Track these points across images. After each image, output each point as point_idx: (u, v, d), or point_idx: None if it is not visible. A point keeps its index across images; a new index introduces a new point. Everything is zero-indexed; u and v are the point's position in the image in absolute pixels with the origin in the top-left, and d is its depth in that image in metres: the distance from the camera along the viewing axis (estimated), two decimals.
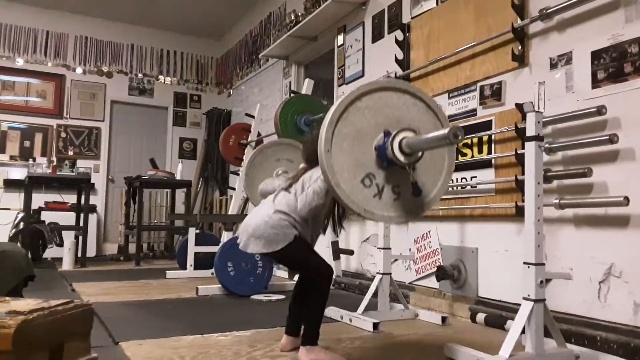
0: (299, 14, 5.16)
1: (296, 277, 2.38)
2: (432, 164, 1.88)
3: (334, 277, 4.06)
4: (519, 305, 2.00)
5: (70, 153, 7.09)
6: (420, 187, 1.78)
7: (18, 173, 6.63)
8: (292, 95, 4.63)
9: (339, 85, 4.60)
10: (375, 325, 2.61)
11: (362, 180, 1.74)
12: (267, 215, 2.06)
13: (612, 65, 2.31)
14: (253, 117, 5.15)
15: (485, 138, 2.96)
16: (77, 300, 1.35)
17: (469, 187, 3.06)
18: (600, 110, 2.27)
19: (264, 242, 2.05)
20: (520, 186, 2.53)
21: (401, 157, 1.72)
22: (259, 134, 5.09)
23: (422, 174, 1.83)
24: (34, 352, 1.14)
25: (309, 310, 2.10)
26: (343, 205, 1.77)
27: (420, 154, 1.76)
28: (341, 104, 1.74)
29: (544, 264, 1.99)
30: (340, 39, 4.66)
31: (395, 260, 3.53)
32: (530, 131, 2.03)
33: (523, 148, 2.11)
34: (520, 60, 2.76)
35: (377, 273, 2.94)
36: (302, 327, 2.11)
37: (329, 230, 4.03)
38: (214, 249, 3.96)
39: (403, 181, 1.78)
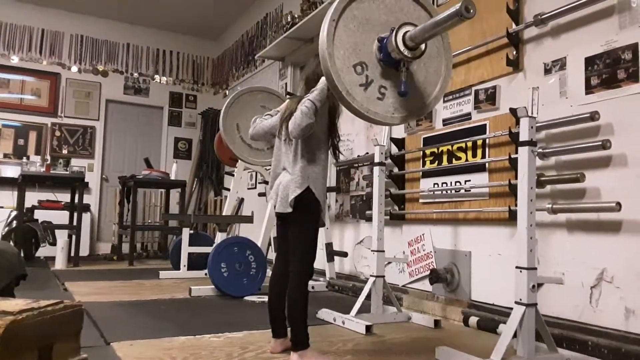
0: (296, 16, 5.16)
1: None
2: (426, 75, 1.87)
3: (327, 279, 4.09)
4: (511, 309, 2.01)
5: (65, 152, 7.06)
6: (407, 88, 1.75)
7: (11, 171, 6.58)
8: (288, 96, 4.62)
9: None
10: (368, 328, 2.61)
11: (355, 66, 1.72)
12: (289, 177, 2.08)
13: (605, 71, 2.32)
14: None
15: (479, 142, 2.97)
16: (67, 300, 1.35)
17: (462, 191, 3.06)
18: (594, 116, 2.28)
19: (280, 201, 2.08)
20: (513, 190, 2.54)
21: (403, 48, 1.70)
22: None
23: (416, 81, 1.83)
24: (23, 353, 1.14)
25: (292, 313, 2.08)
26: (328, 81, 1.73)
27: (422, 47, 1.75)
28: None
29: (536, 269, 2.00)
30: None
31: (389, 262, 3.54)
32: (524, 136, 2.04)
33: (517, 152, 2.12)
34: (515, 65, 2.78)
35: (371, 275, 2.94)
36: (290, 330, 2.09)
37: (323, 231, 4.04)
38: (208, 249, 3.95)
39: (391, 83, 1.77)
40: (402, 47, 1.71)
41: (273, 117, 2.29)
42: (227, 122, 3.00)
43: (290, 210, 2.06)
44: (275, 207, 2.14)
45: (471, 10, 1.51)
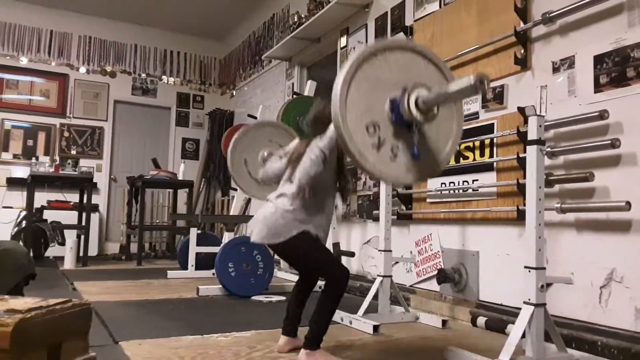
0: (302, 16, 5.16)
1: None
2: (438, 133, 1.85)
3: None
4: (520, 309, 2.00)
5: (73, 152, 7.10)
6: (419, 151, 1.74)
7: (21, 172, 6.64)
8: (294, 96, 4.63)
9: None
10: (376, 328, 2.61)
11: (367, 126, 1.70)
12: (275, 207, 2.06)
13: (614, 69, 2.30)
14: (255, 118, 5.16)
15: (487, 141, 2.95)
16: (75, 299, 1.35)
17: (470, 190, 3.05)
18: (603, 114, 2.26)
19: (266, 232, 2.04)
20: (521, 190, 2.53)
21: (415, 112, 1.70)
22: None
23: (427, 141, 1.81)
24: (32, 351, 1.14)
25: (316, 314, 2.06)
26: (341, 142, 1.72)
27: (435, 110, 1.74)
28: (374, 47, 1.73)
29: (544, 268, 1.99)
30: (343, 40, 4.66)
31: (396, 262, 3.53)
32: (532, 135, 2.02)
33: (525, 152, 2.11)
34: (523, 63, 2.76)
35: (378, 275, 2.94)
36: (308, 329, 2.08)
37: (331, 231, 4.05)
38: (215, 249, 3.96)
39: (404, 144, 1.75)
40: (414, 111, 1.70)
41: (282, 160, 2.26)
42: (235, 157, 3.01)
43: (281, 240, 2.03)
44: (256, 239, 2.10)
45: (485, 83, 1.52)
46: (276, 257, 4.25)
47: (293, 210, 2.04)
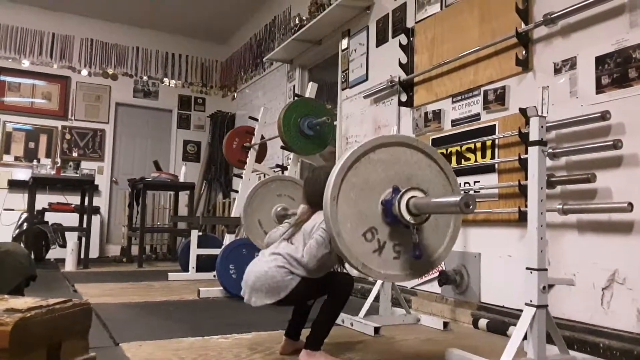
0: (304, 18, 5.17)
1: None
2: (437, 227, 1.84)
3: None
4: (522, 311, 1.99)
5: (75, 154, 7.11)
6: (421, 251, 1.72)
7: (22, 174, 6.65)
8: (295, 98, 4.63)
9: (343, 89, 4.60)
10: (377, 330, 2.60)
11: (364, 234, 1.69)
12: (267, 265, 2.02)
13: (616, 70, 2.30)
14: (257, 120, 5.16)
15: (488, 143, 2.95)
16: (76, 299, 1.35)
17: (472, 192, 3.04)
18: (605, 115, 2.26)
19: (265, 292, 1.99)
20: (523, 191, 2.52)
21: (407, 216, 1.68)
22: (262, 137, 5.09)
23: (426, 236, 1.80)
24: (32, 350, 1.14)
25: (320, 316, 2.05)
26: (341, 257, 1.72)
27: (427, 216, 1.73)
28: (354, 153, 1.70)
29: (546, 270, 1.98)
30: (344, 42, 4.66)
31: None
32: (534, 136, 2.02)
33: (526, 153, 2.10)
34: (524, 65, 2.76)
35: None
36: (310, 331, 2.08)
37: None
38: (216, 251, 3.96)
39: (404, 240, 1.74)
40: (406, 216, 1.68)
41: (286, 227, 2.24)
42: (249, 221, 3.05)
43: (279, 299, 1.99)
44: (253, 301, 2.04)
45: (471, 206, 1.51)
46: None
47: (287, 266, 2.00)
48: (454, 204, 1.54)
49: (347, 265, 2.01)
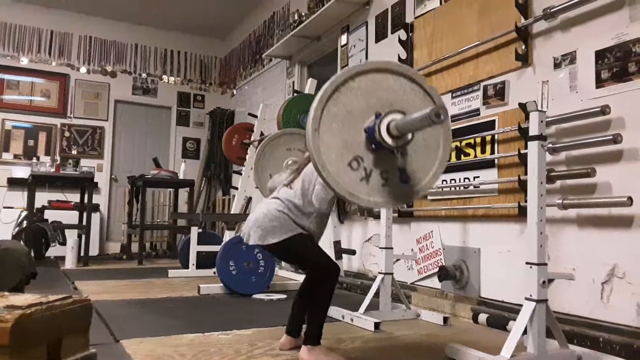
0: (303, 14, 5.16)
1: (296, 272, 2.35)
2: (426, 151, 1.82)
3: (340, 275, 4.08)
4: (521, 305, 1.99)
5: (74, 152, 7.10)
6: (408, 174, 1.72)
7: (22, 172, 6.64)
8: (295, 94, 4.63)
9: None
10: (377, 325, 2.60)
11: (350, 163, 1.68)
12: (267, 208, 2.08)
13: (616, 64, 2.29)
14: (256, 116, 5.15)
15: (488, 138, 2.94)
16: (76, 295, 1.35)
17: (471, 187, 3.04)
18: (604, 110, 2.25)
19: (260, 233, 2.04)
20: (523, 186, 2.52)
21: (389, 140, 1.67)
22: (262, 134, 5.09)
23: (414, 161, 1.78)
24: (32, 347, 1.14)
25: (311, 309, 2.09)
26: (330, 188, 1.71)
27: (409, 137, 1.71)
28: (333, 83, 1.68)
29: (546, 264, 1.98)
30: (343, 38, 4.65)
31: (397, 260, 3.53)
32: (534, 131, 2.02)
33: (526, 148, 2.10)
34: (524, 59, 2.75)
35: (379, 273, 2.93)
36: (305, 326, 2.10)
37: (331, 229, 4.03)
38: (216, 248, 3.96)
39: (392, 167, 1.73)
40: (388, 140, 1.67)
41: (288, 173, 2.28)
42: (260, 177, 3.04)
43: (266, 243, 2.04)
44: (248, 240, 2.10)
45: (441, 117, 1.49)
46: None
47: (286, 211, 2.05)
48: (425, 117, 1.53)
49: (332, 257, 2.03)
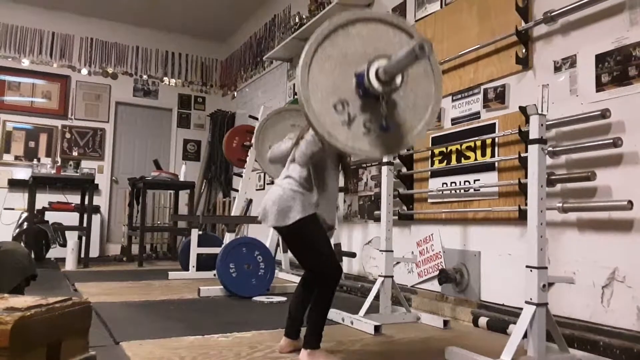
0: (304, 17, 5.16)
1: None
2: (414, 109, 1.81)
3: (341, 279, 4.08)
4: (522, 309, 1.99)
5: (75, 154, 7.10)
6: (389, 123, 1.70)
7: (22, 173, 6.65)
8: (295, 97, 4.63)
9: None
10: (377, 328, 2.60)
11: (335, 105, 1.67)
12: (282, 189, 2.07)
13: (616, 68, 2.30)
14: (257, 119, 5.15)
15: (488, 141, 2.94)
16: (76, 298, 1.35)
17: (472, 190, 3.04)
18: (605, 113, 2.25)
19: (277, 215, 2.03)
20: (523, 189, 2.52)
21: (376, 84, 1.66)
22: None
23: (400, 115, 1.77)
24: (32, 349, 1.14)
25: (312, 312, 2.08)
26: (310, 125, 1.70)
27: (398, 82, 1.70)
28: (332, 23, 1.67)
29: (546, 268, 1.98)
30: None
31: (398, 263, 3.53)
32: (534, 134, 2.02)
33: (526, 151, 2.10)
34: (524, 63, 2.75)
35: (379, 276, 2.93)
36: (306, 329, 2.09)
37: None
38: (217, 250, 3.96)
39: (376, 117, 1.72)
40: (375, 84, 1.67)
41: (289, 141, 2.26)
42: (259, 148, 3.03)
43: (289, 223, 2.03)
44: (266, 220, 2.11)
45: (425, 49, 1.50)
46: (277, 257, 4.25)
47: (299, 189, 2.05)
48: (410, 51, 1.53)
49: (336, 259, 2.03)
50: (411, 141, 1.83)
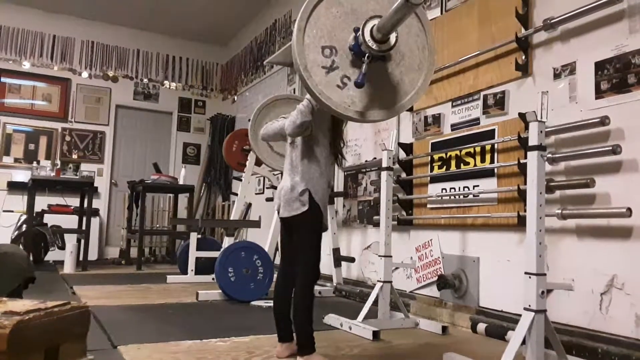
0: None
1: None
2: (399, 85, 1.83)
3: (334, 284, 4.07)
4: (520, 315, 1.99)
5: (75, 156, 7.10)
6: (363, 80, 1.71)
7: (22, 176, 6.64)
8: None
9: None
10: (375, 334, 2.60)
11: (323, 48, 1.69)
12: (292, 180, 2.12)
13: (615, 76, 2.30)
14: None
15: (488, 147, 2.95)
16: (74, 302, 1.35)
17: (471, 196, 3.05)
18: (604, 120, 2.26)
19: (288, 206, 2.10)
20: (522, 196, 2.52)
21: (370, 42, 1.68)
22: None
23: (384, 88, 1.79)
24: (30, 353, 1.14)
25: (298, 316, 2.07)
26: (293, 52, 1.71)
27: (392, 41, 1.71)
28: None
29: (545, 275, 1.98)
30: None
31: (396, 268, 3.52)
32: (533, 141, 2.02)
33: (526, 157, 2.10)
34: (524, 70, 2.76)
35: (378, 281, 2.93)
36: (295, 334, 2.08)
37: (330, 236, 4.03)
38: (215, 254, 3.95)
39: (356, 76, 1.73)
40: (369, 41, 1.68)
41: (282, 119, 2.30)
42: (256, 130, 3.06)
43: (294, 214, 2.07)
44: (279, 212, 2.18)
45: None
46: (276, 262, 4.24)
47: (301, 178, 2.09)
48: (402, 3, 1.54)
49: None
50: (390, 114, 1.86)
